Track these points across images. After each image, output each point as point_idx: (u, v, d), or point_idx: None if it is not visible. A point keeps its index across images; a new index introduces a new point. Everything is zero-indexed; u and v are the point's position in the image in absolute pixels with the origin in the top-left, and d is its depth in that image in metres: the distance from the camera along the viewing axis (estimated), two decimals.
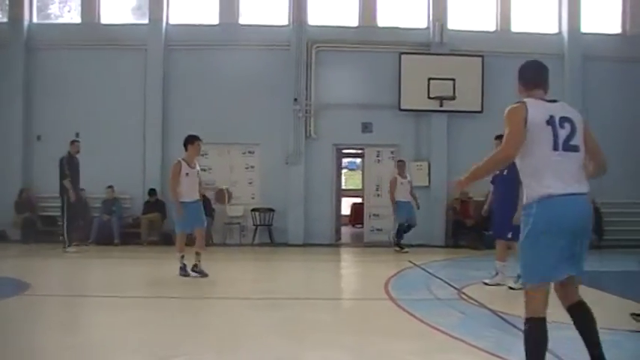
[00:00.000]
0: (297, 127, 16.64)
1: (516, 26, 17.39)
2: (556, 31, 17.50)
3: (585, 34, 17.33)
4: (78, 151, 13.97)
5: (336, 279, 11.99)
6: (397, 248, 14.80)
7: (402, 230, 14.97)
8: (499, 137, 9.74)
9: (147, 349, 5.69)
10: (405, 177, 15.11)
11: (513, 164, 4.36)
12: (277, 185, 16.56)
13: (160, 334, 6.45)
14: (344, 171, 25.14)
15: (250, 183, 16.85)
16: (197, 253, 10.11)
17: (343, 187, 22.86)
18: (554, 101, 4.33)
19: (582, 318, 4.44)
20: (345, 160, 24.33)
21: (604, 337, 4.47)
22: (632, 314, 6.88)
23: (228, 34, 16.69)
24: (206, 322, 7.24)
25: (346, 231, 20.78)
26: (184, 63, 16.77)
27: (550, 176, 4.12)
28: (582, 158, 4.27)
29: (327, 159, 17.03)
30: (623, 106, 16.85)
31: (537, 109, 4.19)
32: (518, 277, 9.26)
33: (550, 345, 6.01)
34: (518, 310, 7.71)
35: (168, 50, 16.79)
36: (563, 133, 4.17)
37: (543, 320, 4.24)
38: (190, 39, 16.68)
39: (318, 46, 16.81)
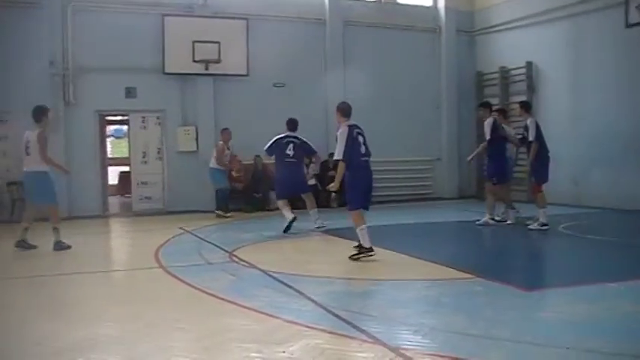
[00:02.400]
0: (54, 92, 15.41)
1: None
2: None
3: (345, 0, 18.14)
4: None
5: (105, 251, 11.52)
6: (219, 212, 15.13)
7: (225, 196, 15.39)
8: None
9: None
10: (229, 147, 15.53)
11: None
12: None
13: None
14: (110, 139, 24.21)
15: (4, 155, 15.41)
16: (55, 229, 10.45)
17: (110, 155, 21.98)
18: None
19: None
20: (111, 128, 23.43)
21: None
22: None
23: None
24: None
25: (114, 201, 20.02)
26: None
27: None
28: None
29: (89, 126, 16.04)
30: (379, 68, 18.06)
31: None
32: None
33: (319, 299, 6.35)
34: (286, 268, 8.04)
35: None
36: None
37: None
38: None
39: (74, 5, 15.63)
